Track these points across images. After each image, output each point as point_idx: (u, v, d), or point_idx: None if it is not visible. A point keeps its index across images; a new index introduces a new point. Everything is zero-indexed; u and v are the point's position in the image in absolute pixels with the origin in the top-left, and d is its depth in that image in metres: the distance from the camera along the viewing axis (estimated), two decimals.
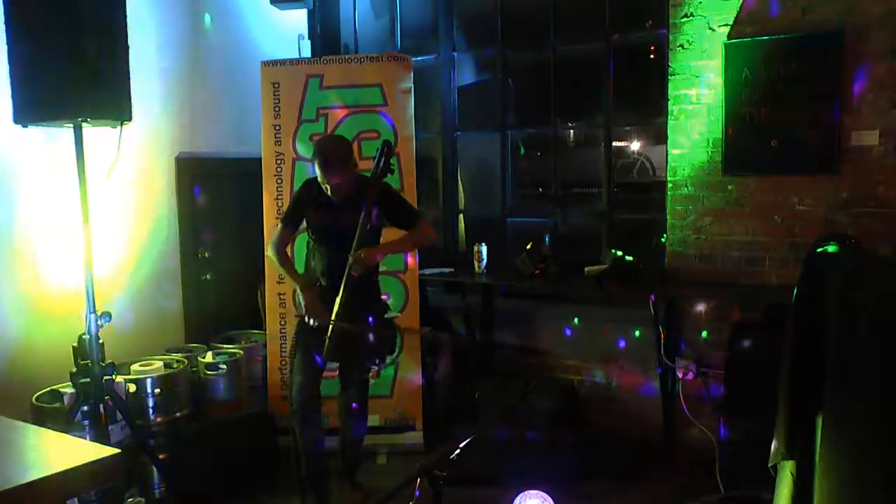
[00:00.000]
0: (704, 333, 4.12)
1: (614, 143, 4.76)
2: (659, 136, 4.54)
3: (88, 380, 3.23)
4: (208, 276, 4.83)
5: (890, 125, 3.61)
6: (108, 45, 3.12)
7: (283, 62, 4.61)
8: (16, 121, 3.10)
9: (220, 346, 4.50)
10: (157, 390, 3.79)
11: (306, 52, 5.44)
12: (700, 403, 4.08)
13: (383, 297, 3.86)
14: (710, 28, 4.03)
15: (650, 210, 4.54)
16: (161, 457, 3.67)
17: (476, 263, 4.74)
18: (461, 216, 5.41)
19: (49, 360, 3.72)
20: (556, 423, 3.98)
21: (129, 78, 3.24)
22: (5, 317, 3.73)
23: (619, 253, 4.27)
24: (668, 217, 4.26)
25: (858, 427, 2.16)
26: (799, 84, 3.78)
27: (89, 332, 3.24)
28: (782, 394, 2.37)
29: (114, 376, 3.40)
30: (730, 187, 4.05)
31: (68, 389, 3.41)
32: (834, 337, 2.20)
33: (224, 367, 4.18)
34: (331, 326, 3.31)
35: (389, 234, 3.70)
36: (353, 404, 3.65)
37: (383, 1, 5.52)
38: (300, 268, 3.78)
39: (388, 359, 4.03)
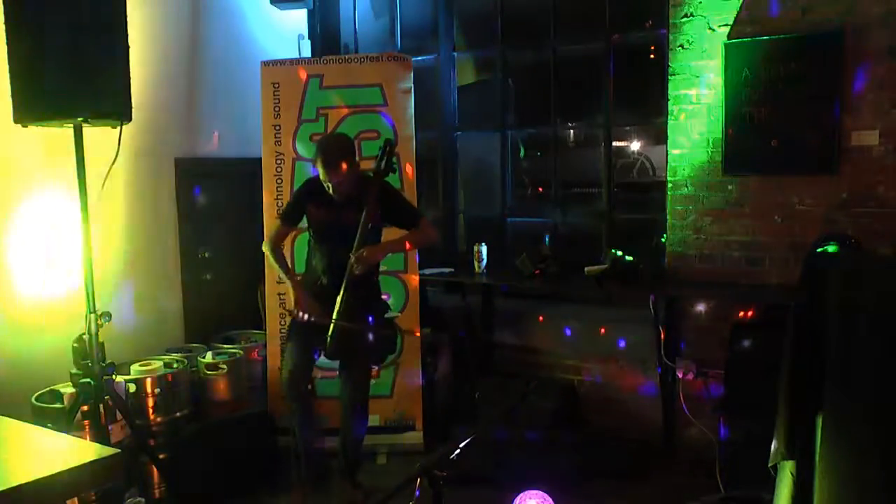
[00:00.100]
0: (704, 334, 4.11)
1: (614, 143, 4.76)
2: (659, 136, 4.54)
3: (88, 380, 3.23)
4: (208, 276, 4.83)
5: (890, 125, 3.61)
6: (108, 45, 3.12)
7: (283, 62, 4.61)
8: (16, 121, 3.09)
9: (220, 346, 4.50)
10: (157, 390, 3.79)
11: (306, 52, 5.44)
12: (700, 403, 4.07)
13: (383, 296, 3.86)
14: (710, 28, 4.03)
15: (650, 210, 4.55)
16: (161, 457, 3.67)
17: (476, 263, 4.74)
18: (461, 216, 5.41)
19: (49, 360, 3.72)
20: (556, 423, 3.98)
21: (129, 78, 3.24)
22: (5, 317, 3.73)
23: (619, 253, 4.27)
24: (668, 217, 4.26)
25: (858, 427, 2.16)
26: (799, 84, 3.78)
27: (89, 332, 3.24)
28: (782, 394, 2.37)
29: (114, 376, 3.40)
30: (730, 187, 4.05)
31: (68, 389, 3.41)
32: (834, 337, 2.20)
33: (224, 367, 4.18)
34: (332, 325, 3.32)
35: (389, 234, 3.70)
36: (354, 404, 3.65)
37: (383, 1, 5.52)
38: (301, 267, 3.78)
39: (389, 358, 4.03)
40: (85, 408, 3.27)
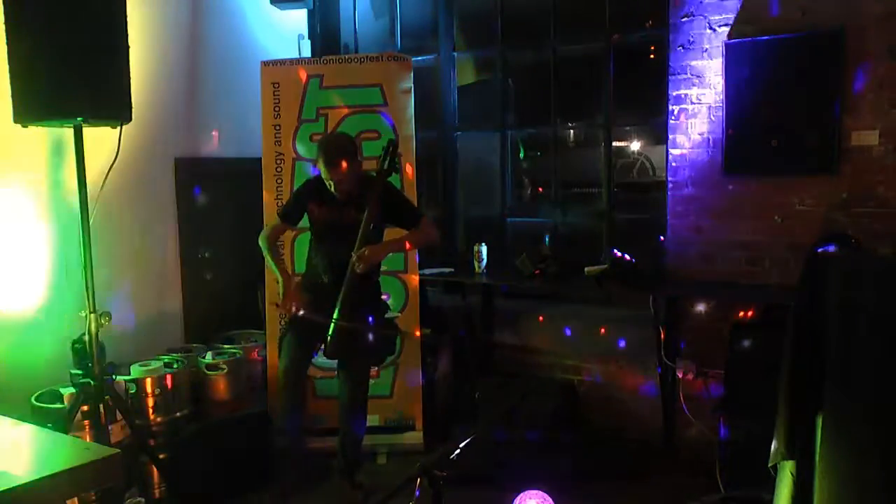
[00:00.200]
0: (704, 333, 4.11)
1: (614, 143, 4.76)
2: (659, 136, 4.54)
3: (88, 380, 3.23)
4: (208, 276, 4.83)
5: (890, 125, 3.61)
6: (108, 45, 3.12)
7: (283, 62, 4.61)
8: (15, 120, 3.10)
9: (220, 346, 4.50)
10: (157, 390, 3.79)
11: (306, 52, 5.44)
12: (700, 403, 4.08)
13: (383, 296, 3.86)
14: (710, 28, 4.03)
15: (650, 210, 4.54)
16: (161, 457, 3.67)
17: (476, 263, 4.74)
18: (461, 216, 5.41)
19: (49, 360, 3.72)
20: (556, 423, 3.98)
21: (129, 78, 3.24)
22: (5, 317, 3.73)
23: (619, 253, 4.26)
24: (668, 217, 4.26)
25: (858, 427, 2.16)
26: (799, 84, 3.78)
27: (89, 332, 3.24)
28: (782, 394, 2.37)
29: (114, 376, 3.40)
30: (730, 187, 4.05)
31: (68, 389, 3.41)
32: (834, 337, 2.20)
33: (224, 367, 4.18)
34: (332, 324, 3.32)
35: (390, 234, 3.70)
36: (353, 404, 3.65)
37: (383, 1, 5.52)
38: (301, 267, 3.79)
39: (388, 359, 4.03)
40: (85, 408, 3.28)
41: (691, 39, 4.10)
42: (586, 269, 4.36)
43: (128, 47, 3.22)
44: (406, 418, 4.44)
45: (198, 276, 4.76)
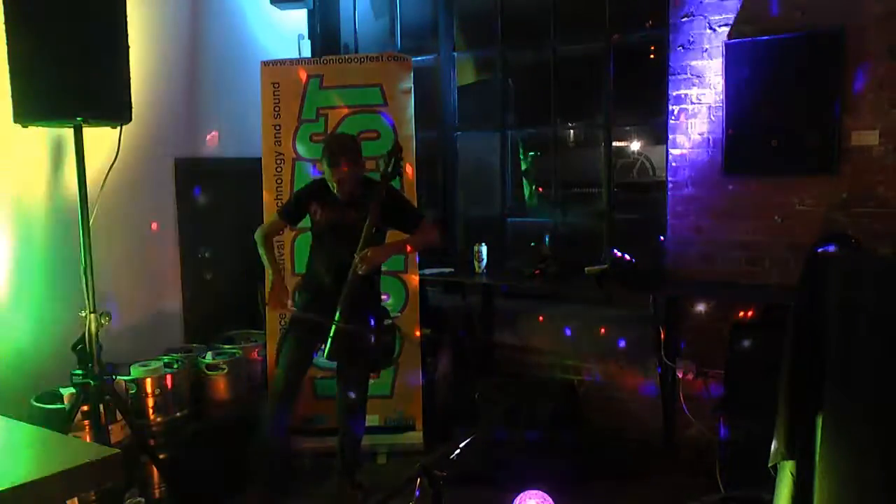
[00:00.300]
0: (704, 333, 4.11)
1: (614, 143, 4.76)
2: (659, 136, 4.54)
3: (88, 380, 3.23)
4: (208, 276, 4.83)
5: (890, 125, 3.61)
6: (108, 45, 3.12)
7: (283, 62, 4.61)
8: (15, 120, 3.10)
9: (221, 346, 4.49)
10: (157, 390, 3.79)
11: (306, 52, 5.44)
12: (700, 403, 4.08)
13: (383, 296, 3.86)
14: (710, 28, 4.03)
15: (650, 210, 4.54)
16: (161, 457, 3.67)
17: (476, 263, 4.74)
18: (461, 216, 5.40)
19: (49, 360, 3.72)
20: (556, 423, 3.98)
21: (129, 78, 3.24)
22: (5, 317, 3.73)
23: (619, 253, 4.26)
24: (668, 217, 4.26)
25: (858, 427, 2.16)
26: (799, 84, 3.78)
27: (89, 333, 3.24)
28: (782, 394, 2.37)
29: (114, 376, 3.40)
30: (730, 187, 4.05)
31: (68, 389, 3.41)
32: (834, 337, 2.20)
33: (224, 367, 4.18)
34: (333, 326, 3.32)
35: (391, 236, 3.70)
36: (352, 406, 3.66)
37: (383, 1, 5.52)
38: (301, 267, 3.79)
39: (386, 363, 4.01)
40: (85, 408, 3.28)
41: (691, 39, 4.10)
42: (586, 269, 4.36)
43: (128, 47, 3.22)
44: (406, 418, 4.44)
45: (198, 276, 4.76)
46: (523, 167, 5.64)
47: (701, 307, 4.14)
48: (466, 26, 5.32)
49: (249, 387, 4.38)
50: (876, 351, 2.12)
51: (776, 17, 3.83)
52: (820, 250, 2.45)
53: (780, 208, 3.91)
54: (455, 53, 5.27)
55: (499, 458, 3.81)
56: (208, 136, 4.82)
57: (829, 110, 3.71)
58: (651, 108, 4.53)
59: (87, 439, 3.26)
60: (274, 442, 3.58)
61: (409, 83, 4.49)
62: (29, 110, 3.07)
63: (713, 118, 4.05)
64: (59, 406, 3.44)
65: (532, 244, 5.10)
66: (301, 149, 4.49)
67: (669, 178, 4.24)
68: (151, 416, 3.78)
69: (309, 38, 5.50)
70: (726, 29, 3.97)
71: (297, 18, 5.42)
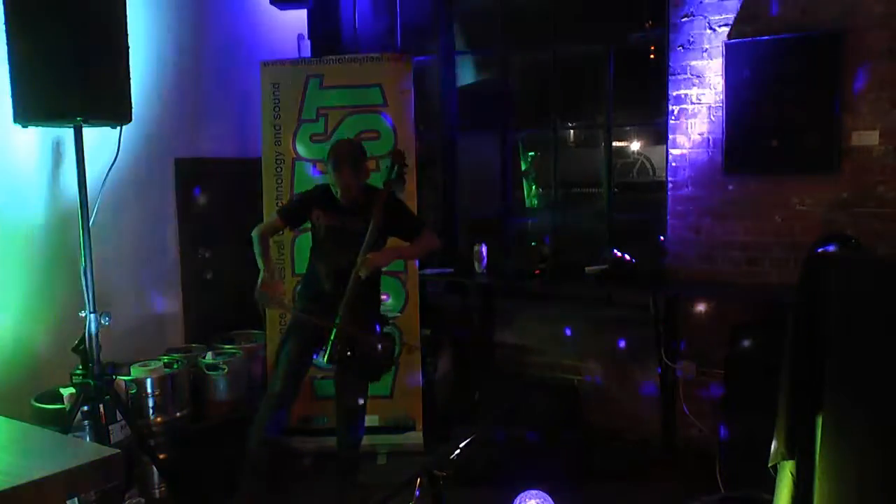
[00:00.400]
0: (704, 333, 4.11)
1: (614, 143, 4.76)
2: (659, 136, 4.54)
3: (88, 380, 3.23)
4: (208, 276, 4.83)
5: (890, 125, 3.61)
6: (108, 45, 3.12)
7: (283, 62, 4.61)
8: (15, 120, 3.10)
9: (221, 346, 4.50)
10: (157, 390, 3.79)
11: (306, 52, 5.43)
12: (700, 403, 4.08)
13: (383, 297, 3.87)
14: (710, 28, 4.03)
15: (650, 210, 4.54)
16: (161, 457, 3.67)
17: (476, 263, 4.74)
18: (460, 216, 5.40)
19: (49, 360, 3.72)
20: (556, 423, 3.98)
21: (129, 78, 3.24)
22: (6, 317, 3.73)
23: (619, 253, 4.26)
24: (668, 217, 4.26)
25: (858, 427, 2.16)
26: (799, 84, 3.78)
27: (89, 332, 3.24)
28: (782, 394, 2.37)
29: (114, 376, 3.40)
30: (730, 187, 4.05)
31: (68, 389, 3.41)
32: (834, 337, 2.20)
33: (224, 367, 4.18)
34: (333, 331, 3.32)
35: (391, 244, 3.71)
36: (351, 409, 3.67)
37: (383, 1, 5.52)
38: (301, 267, 3.79)
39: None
40: (85, 408, 3.28)
41: (691, 39, 4.10)
42: (586, 269, 4.36)
43: (128, 47, 3.22)
44: (406, 418, 4.44)
45: (198, 276, 4.76)
46: (523, 167, 5.64)
47: (701, 307, 4.14)
48: (466, 26, 5.32)
49: (249, 387, 4.38)
50: (876, 351, 2.12)
51: (776, 17, 3.83)
52: (820, 250, 2.45)
53: (780, 208, 3.91)
54: (455, 53, 5.26)
55: (499, 458, 3.80)
56: (213, 134, 4.82)
57: (829, 110, 3.71)
58: (651, 108, 4.53)
59: (87, 439, 3.26)
60: (262, 444, 3.57)
61: (409, 83, 4.48)
62: (29, 110, 3.07)
63: (713, 118, 4.05)
64: (59, 406, 3.44)
65: (532, 244, 5.10)
66: (301, 149, 4.49)
67: (669, 178, 4.24)
68: (151, 416, 3.78)
69: (309, 38, 5.50)
70: (726, 29, 3.97)
71: (297, 18, 5.42)
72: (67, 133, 3.33)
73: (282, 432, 3.75)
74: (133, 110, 3.28)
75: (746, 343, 3.66)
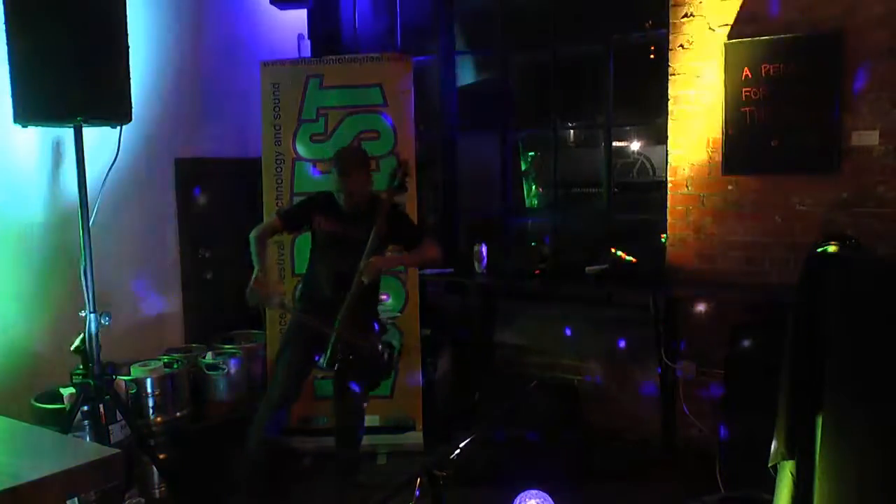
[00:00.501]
0: (704, 333, 4.11)
1: (614, 143, 4.76)
2: (659, 136, 4.54)
3: (88, 380, 3.23)
4: (208, 276, 4.83)
5: (890, 125, 3.61)
6: (108, 45, 3.12)
7: (283, 62, 4.61)
8: (15, 120, 3.10)
9: (220, 346, 4.50)
10: (157, 390, 3.79)
11: (306, 52, 5.43)
12: (700, 403, 4.08)
13: (383, 297, 3.87)
14: (710, 28, 4.03)
15: (650, 210, 4.54)
16: (161, 457, 3.67)
17: (476, 263, 4.74)
18: (460, 216, 5.40)
19: (49, 360, 3.72)
20: (556, 423, 3.98)
21: (129, 78, 3.24)
22: (5, 317, 3.73)
23: (619, 253, 4.26)
24: (668, 217, 4.25)
25: (858, 427, 2.16)
26: (799, 84, 3.78)
27: (89, 332, 3.24)
28: (782, 394, 2.37)
29: (114, 376, 3.40)
30: (730, 187, 4.05)
31: (68, 389, 3.41)
32: (834, 337, 2.20)
33: (224, 367, 4.18)
34: (333, 336, 3.32)
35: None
36: (350, 412, 3.68)
37: (383, 1, 5.52)
38: (301, 267, 3.79)
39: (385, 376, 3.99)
40: (85, 408, 3.28)
41: (691, 39, 4.09)
42: (586, 269, 4.36)
43: (128, 47, 3.22)
44: (406, 418, 4.43)
45: (198, 276, 4.76)
46: (523, 167, 5.64)
47: (701, 307, 4.13)
48: (466, 26, 5.32)
49: (249, 387, 4.38)
50: (876, 351, 2.12)
51: (776, 17, 3.83)
52: (820, 250, 2.45)
53: (780, 208, 3.91)
54: (455, 53, 5.27)
55: (499, 458, 3.80)
56: (213, 134, 4.82)
57: (829, 110, 3.71)
58: (651, 108, 4.53)
59: (87, 439, 3.26)
60: (261, 444, 3.57)
61: (409, 83, 4.48)
62: (29, 110, 3.07)
63: (713, 118, 4.05)
64: (59, 406, 3.44)
65: (532, 244, 5.10)
66: (301, 149, 4.49)
67: (669, 178, 4.24)
68: (151, 416, 3.78)
69: (309, 38, 5.50)
70: (726, 29, 3.97)
71: (297, 18, 5.42)
72: (67, 133, 3.33)
73: (282, 432, 3.75)
74: (133, 110, 3.29)
75: (746, 343, 3.66)
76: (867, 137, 3.66)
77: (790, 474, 2.36)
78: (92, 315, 3.24)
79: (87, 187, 3.28)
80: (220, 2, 4.91)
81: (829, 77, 3.70)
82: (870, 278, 2.19)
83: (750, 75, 3.89)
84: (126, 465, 3.20)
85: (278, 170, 4.50)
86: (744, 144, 3.95)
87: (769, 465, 2.44)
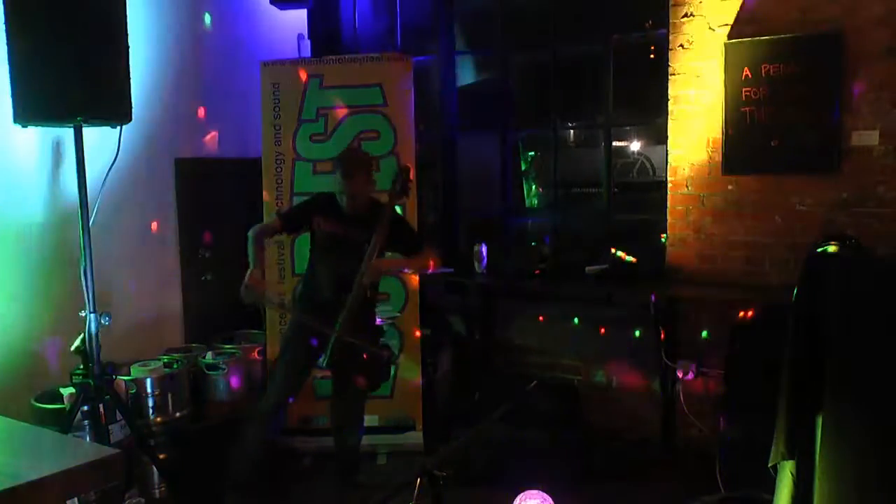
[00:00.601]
0: (704, 333, 4.11)
1: (614, 143, 4.76)
2: (659, 136, 4.54)
3: (88, 380, 3.23)
4: (208, 276, 4.83)
5: (890, 125, 3.61)
6: (108, 45, 3.12)
7: (283, 62, 4.61)
8: (15, 120, 3.10)
9: (221, 346, 4.50)
10: (157, 390, 3.79)
11: (306, 52, 5.43)
12: (700, 403, 4.08)
13: (383, 296, 3.87)
14: (710, 28, 4.03)
15: (650, 210, 4.54)
16: (161, 457, 3.67)
17: (476, 263, 4.74)
18: (460, 216, 5.40)
19: (49, 360, 3.72)
20: (556, 423, 3.98)
21: (129, 78, 3.24)
22: (5, 317, 3.73)
23: (619, 253, 4.26)
24: (668, 217, 4.25)
25: (858, 427, 2.16)
26: (799, 84, 3.78)
27: (89, 332, 3.24)
28: (782, 394, 2.37)
29: (114, 376, 3.40)
30: (730, 187, 4.05)
31: (68, 389, 3.41)
32: (834, 337, 2.20)
33: (224, 367, 4.18)
34: (332, 338, 3.33)
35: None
36: (349, 414, 3.68)
37: (383, 1, 5.52)
38: (301, 267, 3.79)
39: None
40: (85, 408, 3.28)
41: (691, 39, 4.09)
42: (586, 269, 4.36)
43: (128, 47, 3.22)
44: (406, 418, 4.43)
45: (198, 276, 4.76)
46: (523, 167, 5.64)
47: (701, 307, 4.13)
48: (466, 26, 5.32)
49: (249, 387, 4.38)
50: (876, 351, 2.12)
51: (776, 17, 3.83)
52: (820, 250, 2.45)
53: (780, 208, 3.91)
54: (455, 53, 5.27)
55: (499, 458, 3.80)
56: (208, 137, 4.82)
57: (829, 110, 3.71)
58: (651, 108, 4.53)
59: (87, 439, 3.26)
60: (261, 445, 3.57)
61: (409, 83, 4.48)
62: (29, 110, 3.07)
63: (713, 118, 4.05)
64: (59, 406, 3.44)
65: (532, 244, 5.10)
66: (301, 149, 4.49)
67: (669, 178, 4.24)
68: (151, 416, 3.78)
69: (309, 38, 5.50)
70: (726, 29, 3.97)
71: (297, 18, 5.42)
72: (67, 133, 3.33)
73: (282, 432, 3.75)
74: (133, 110, 3.28)
75: (746, 343, 3.65)
76: (867, 137, 3.66)
77: (790, 474, 2.37)
78: (92, 315, 3.24)
79: (87, 187, 3.28)
80: (220, 2, 4.91)
81: (829, 77, 3.70)
82: (870, 278, 2.20)
83: (750, 75, 3.89)
84: (126, 465, 3.20)
85: (278, 170, 4.50)
86: (744, 144, 3.95)
87: (769, 465, 2.44)
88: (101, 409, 3.26)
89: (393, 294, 4.39)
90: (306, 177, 4.45)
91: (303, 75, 4.49)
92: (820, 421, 2.24)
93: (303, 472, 4.09)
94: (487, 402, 4.25)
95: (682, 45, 4.13)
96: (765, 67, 3.85)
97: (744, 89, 3.91)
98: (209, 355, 4.24)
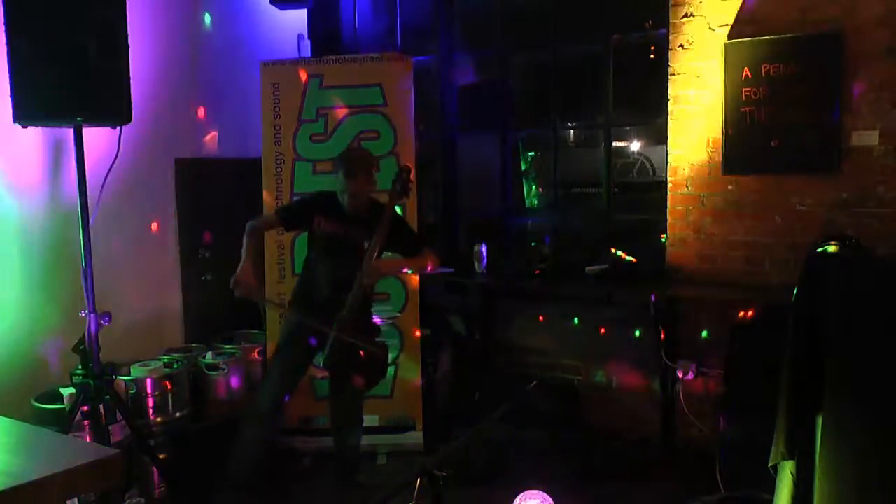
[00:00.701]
0: (704, 333, 4.11)
1: (614, 143, 4.76)
2: (659, 136, 4.54)
3: (88, 380, 3.23)
4: (208, 276, 4.83)
5: (890, 125, 3.61)
6: (108, 45, 3.12)
7: (283, 62, 4.61)
8: (15, 120, 3.10)
9: (221, 346, 4.50)
10: (157, 390, 3.79)
11: (306, 52, 5.43)
12: (700, 403, 4.07)
13: (383, 296, 3.87)
14: (710, 28, 4.03)
15: (650, 210, 4.54)
16: (161, 457, 3.67)
17: (476, 263, 4.74)
18: (460, 216, 5.40)
19: (49, 360, 3.72)
20: (556, 423, 3.98)
21: (128, 78, 3.24)
22: (6, 317, 3.73)
23: (619, 253, 4.26)
24: (668, 217, 4.26)
25: (858, 427, 2.16)
26: (799, 84, 3.78)
27: (89, 332, 3.24)
28: (782, 394, 2.37)
29: (114, 376, 3.40)
30: (730, 187, 4.05)
31: (68, 389, 3.41)
32: (834, 337, 2.20)
33: (224, 367, 4.18)
34: (331, 338, 3.33)
35: None
36: (347, 415, 3.68)
37: (383, 1, 5.52)
38: (301, 267, 3.79)
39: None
40: (85, 408, 3.28)
41: (691, 40, 4.09)
42: (586, 269, 4.36)
43: (127, 47, 3.22)
44: (406, 418, 4.43)
45: (198, 276, 4.76)
46: (523, 167, 5.64)
47: (701, 307, 4.13)
48: (466, 26, 5.32)
49: (249, 387, 4.38)
50: (876, 351, 2.12)
51: (776, 18, 3.83)
52: (820, 250, 2.45)
53: (780, 208, 3.91)
54: (455, 53, 5.27)
55: (499, 458, 3.81)
56: (208, 137, 4.82)
57: (829, 110, 3.71)
58: (651, 108, 4.53)
59: (87, 439, 3.26)
60: (260, 445, 3.57)
61: (409, 83, 4.48)
62: (29, 110, 3.07)
63: (713, 118, 4.05)
64: (59, 406, 3.44)
65: (532, 244, 5.10)
66: (301, 149, 4.49)
67: (669, 178, 4.24)
68: (151, 416, 3.78)
69: (309, 38, 5.50)
70: (726, 29, 3.97)
71: (297, 18, 5.42)
72: (67, 133, 3.33)
73: (281, 432, 3.75)
74: (133, 110, 3.28)
75: (746, 343, 3.66)
76: (867, 137, 3.66)
77: (790, 474, 2.37)
78: (92, 315, 3.24)
79: (87, 187, 3.28)
80: (220, 2, 4.91)
81: (829, 77, 3.70)
82: (870, 278, 2.20)
83: (750, 75, 3.89)
84: (126, 465, 3.20)
85: (278, 170, 4.50)
86: (744, 144, 3.95)
87: (769, 465, 2.44)
88: (101, 410, 3.26)
89: (393, 294, 4.39)
90: (306, 177, 4.45)
91: (303, 75, 4.49)
92: (820, 421, 2.24)
93: (303, 472, 4.10)
94: (487, 402, 4.25)
95: (682, 45, 4.13)
96: (765, 67, 3.85)
97: (744, 89, 3.91)
98: (209, 355, 4.24)
